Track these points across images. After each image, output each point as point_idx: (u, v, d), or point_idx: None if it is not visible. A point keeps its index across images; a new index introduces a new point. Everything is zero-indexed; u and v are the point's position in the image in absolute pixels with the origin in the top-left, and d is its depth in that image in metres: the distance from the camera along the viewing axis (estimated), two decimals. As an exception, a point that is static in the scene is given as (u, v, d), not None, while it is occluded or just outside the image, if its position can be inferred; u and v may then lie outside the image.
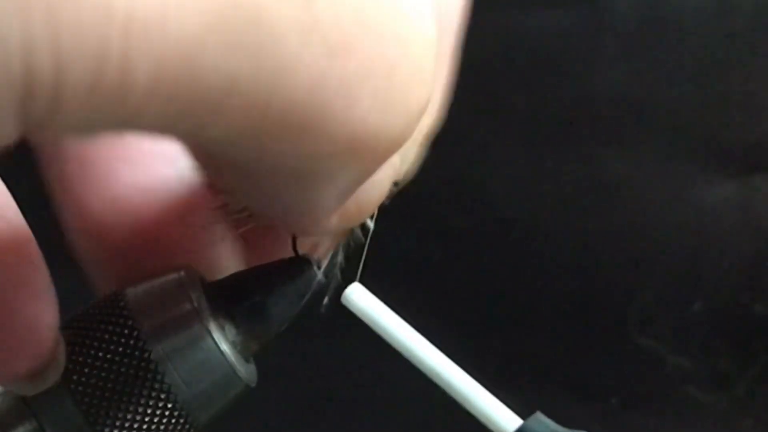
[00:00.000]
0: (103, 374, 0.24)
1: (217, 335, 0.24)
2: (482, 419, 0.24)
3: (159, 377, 0.24)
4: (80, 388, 0.24)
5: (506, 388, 0.63)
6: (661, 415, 0.57)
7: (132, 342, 0.24)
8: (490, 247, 0.58)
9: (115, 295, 0.25)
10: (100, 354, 0.24)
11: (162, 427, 0.24)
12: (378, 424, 0.58)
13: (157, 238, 0.27)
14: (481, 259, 0.58)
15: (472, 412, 0.24)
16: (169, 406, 0.24)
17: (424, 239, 0.58)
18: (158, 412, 0.24)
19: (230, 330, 0.25)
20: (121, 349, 0.24)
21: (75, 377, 0.24)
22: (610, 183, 0.57)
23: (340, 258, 0.26)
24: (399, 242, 0.56)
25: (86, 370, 0.24)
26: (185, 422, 0.24)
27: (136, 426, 0.24)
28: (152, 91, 0.15)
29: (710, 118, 0.56)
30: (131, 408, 0.24)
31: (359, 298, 0.26)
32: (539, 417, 0.24)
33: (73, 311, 0.25)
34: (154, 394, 0.24)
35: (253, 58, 0.16)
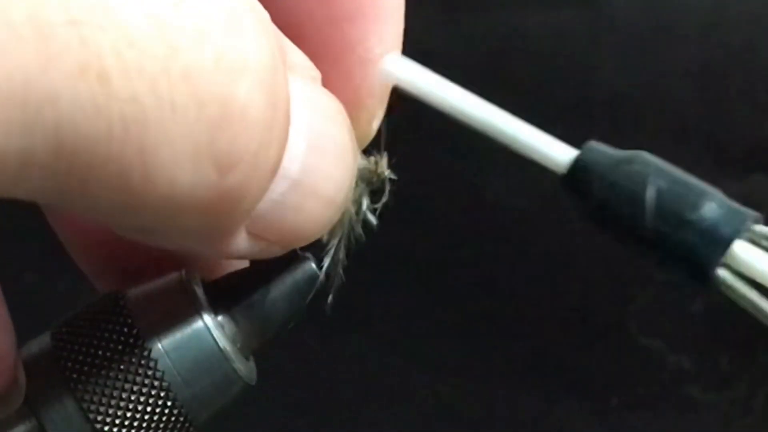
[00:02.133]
0: (102, 373, 0.24)
1: (217, 333, 0.24)
2: (536, 156, 0.24)
3: (158, 376, 0.24)
4: (80, 387, 0.24)
5: (507, 388, 0.63)
6: (661, 415, 0.57)
7: (132, 341, 0.24)
8: (490, 246, 0.58)
9: (115, 294, 0.25)
10: (100, 353, 0.24)
11: (161, 426, 0.24)
12: (378, 424, 0.58)
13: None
14: (481, 258, 0.58)
15: (525, 152, 0.24)
16: (169, 404, 0.24)
17: (424, 239, 0.58)
18: (158, 411, 0.24)
19: (230, 328, 0.25)
20: (120, 348, 0.24)
21: (75, 377, 0.24)
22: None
23: (341, 256, 0.26)
24: (399, 242, 0.56)
25: (86, 369, 0.24)
26: (185, 421, 0.24)
27: (135, 424, 0.24)
28: None
29: (710, 118, 0.56)
30: (131, 407, 0.24)
31: (399, 67, 0.25)
32: (593, 144, 0.24)
33: (73, 311, 0.25)
34: (153, 392, 0.24)
35: (47, 136, 0.17)
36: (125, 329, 0.24)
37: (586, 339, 0.57)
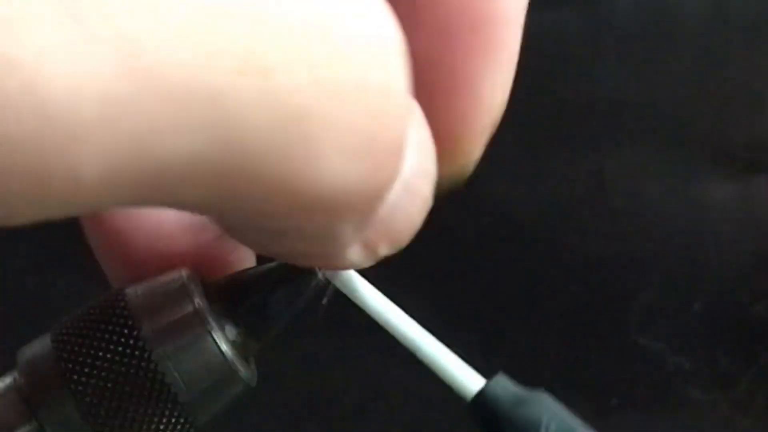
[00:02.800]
0: (103, 374, 0.24)
1: (218, 335, 0.24)
2: (447, 380, 0.26)
3: (159, 377, 0.24)
4: (80, 388, 0.24)
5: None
6: (661, 415, 0.57)
7: (132, 342, 0.24)
8: (490, 247, 0.58)
9: (116, 295, 0.25)
10: (100, 354, 0.24)
11: (162, 427, 0.24)
12: (378, 425, 0.58)
13: (169, 250, 0.27)
14: (481, 259, 0.58)
15: (438, 373, 0.26)
16: (169, 406, 0.24)
17: (425, 239, 0.58)
18: (158, 412, 0.24)
19: (230, 330, 0.25)
20: (121, 349, 0.24)
21: (75, 377, 0.24)
22: (610, 183, 0.57)
23: None
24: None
25: (86, 370, 0.24)
26: (185, 422, 0.24)
27: (136, 426, 0.24)
28: (105, 183, 0.15)
29: (710, 117, 0.56)
30: (131, 408, 0.24)
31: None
32: (501, 378, 0.26)
33: (73, 312, 0.25)
34: (154, 394, 0.24)
35: (213, 135, 0.16)
36: (126, 331, 0.24)
37: (586, 339, 0.57)
